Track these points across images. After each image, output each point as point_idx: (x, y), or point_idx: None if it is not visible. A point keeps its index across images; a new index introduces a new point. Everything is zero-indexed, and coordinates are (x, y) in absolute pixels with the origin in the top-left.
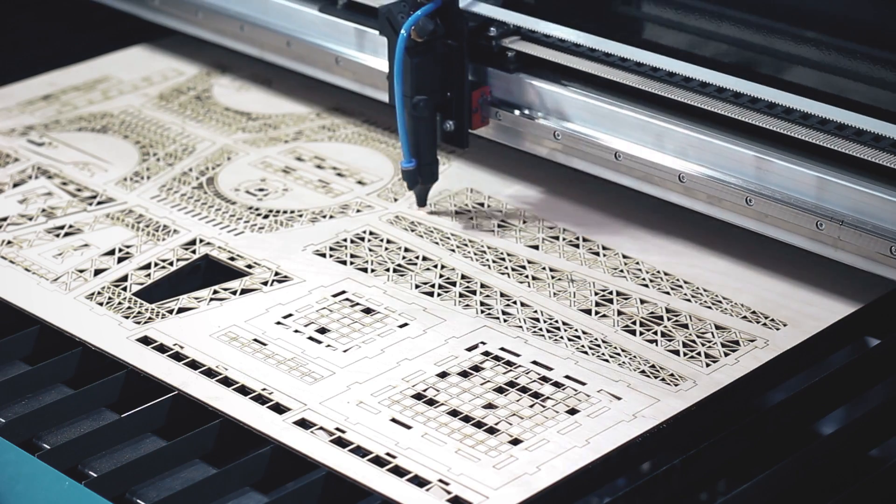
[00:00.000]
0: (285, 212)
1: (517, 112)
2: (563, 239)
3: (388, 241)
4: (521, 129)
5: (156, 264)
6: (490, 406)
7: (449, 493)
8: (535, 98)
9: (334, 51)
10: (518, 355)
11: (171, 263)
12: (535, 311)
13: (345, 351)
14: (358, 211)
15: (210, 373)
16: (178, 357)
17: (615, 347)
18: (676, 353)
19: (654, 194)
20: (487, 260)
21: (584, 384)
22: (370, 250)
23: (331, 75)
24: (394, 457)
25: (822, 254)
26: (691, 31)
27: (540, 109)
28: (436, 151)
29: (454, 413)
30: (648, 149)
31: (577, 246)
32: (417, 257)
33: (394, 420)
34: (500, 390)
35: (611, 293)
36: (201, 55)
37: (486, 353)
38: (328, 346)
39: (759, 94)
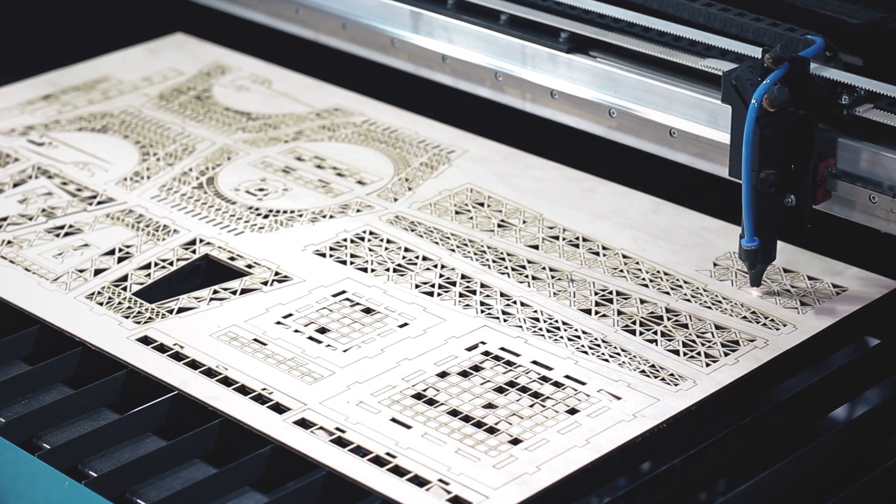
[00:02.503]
0: (285, 212)
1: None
2: (563, 239)
3: (388, 241)
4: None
5: (156, 264)
6: (490, 406)
7: (449, 492)
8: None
9: (389, 32)
10: (518, 355)
11: (171, 263)
12: (535, 311)
13: (345, 351)
14: (358, 211)
15: (210, 373)
16: (178, 357)
17: (615, 347)
18: (676, 353)
19: (710, 171)
20: (487, 260)
21: (584, 384)
22: (370, 250)
23: (386, 57)
24: (394, 457)
25: (876, 227)
26: None
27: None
28: (777, 230)
29: (454, 413)
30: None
31: (577, 246)
32: (417, 257)
33: (394, 420)
34: (500, 390)
35: (611, 293)
36: (201, 55)
37: (486, 353)
38: (328, 345)
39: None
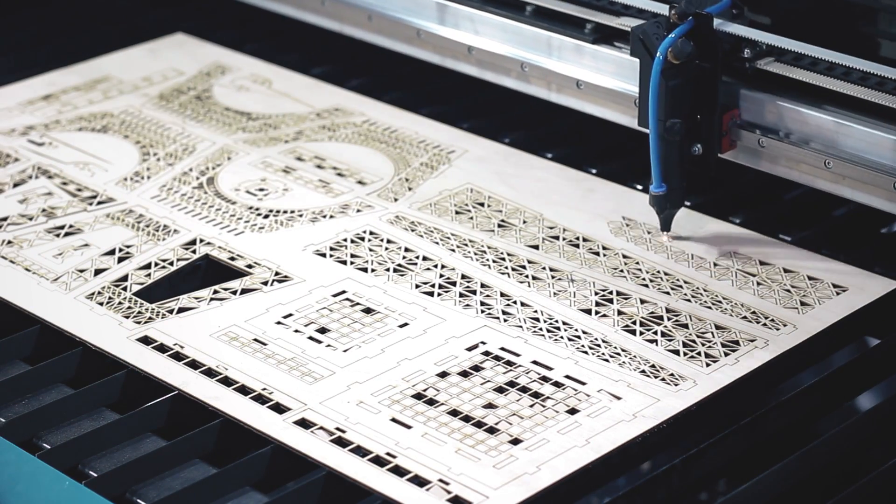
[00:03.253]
0: (285, 212)
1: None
2: (563, 239)
3: (389, 241)
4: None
5: (156, 264)
6: (490, 406)
7: (449, 492)
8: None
9: (415, 24)
10: (518, 355)
11: (171, 263)
12: (535, 311)
13: (345, 351)
14: (358, 211)
15: (210, 373)
16: (178, 357)
17: (615, 347)
18: (676, 353)
19: (734, 160)
20: (487, 260)
21: (584, 384)
22: (370, 250)
23: (412, 48)
24: (394, 457)
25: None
26: None
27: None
28: (684, 177)
29: (454, 413)
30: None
31: (577, 246)
32: (417, 257)
33: (394, 420)
34: (500, 390)
35: (611, 293)
36: (201, 55)
37: (486, 353)
38: (328, 345)
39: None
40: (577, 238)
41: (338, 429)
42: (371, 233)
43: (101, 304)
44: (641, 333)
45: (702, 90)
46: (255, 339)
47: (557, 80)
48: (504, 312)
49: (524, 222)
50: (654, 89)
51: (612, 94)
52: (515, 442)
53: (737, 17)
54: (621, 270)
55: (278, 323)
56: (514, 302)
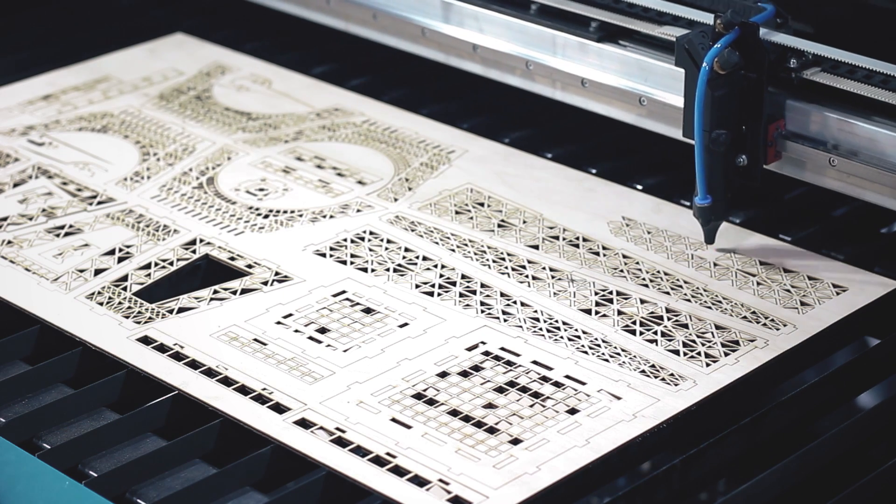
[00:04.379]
0: (285, 212)
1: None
2: (563, 239)
3: (388, 241)
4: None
5: (156, 264)
6: (490, 406)
7: (449, 492)
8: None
9: (420, 22)
10: (518, 355)
11: (171, 263)
12: (535, 311)
13: (345, 351)
14: (358, 211)
15: (210, 373)
16: (178, 357)
17: (615, 347)
18: (676, 353)
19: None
20: (487, 260)
21: (584, 384)
22: (370, 250)
23: (417, 46)
24: (394, 457)
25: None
26: None
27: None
28: (729, 188)
29: (454, 413)
30: None
31: (577, 246)
32: (417, 257)
33: (394, 420)
34: (500, 390)
35: (611, 293)
36: (201, 55)
37: (486, 353)
38: (328, 345)
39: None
40: (577, 238)
41: (338, 429)
42: (371, 233)
43: (101, 304)
44: (641, 333)
45: (747, 100)
46: (255, 339)
47: (562, 78)
48: (504, 312)
49: (524, 222)
50: (699, 100)
51: (616, 92)
52: (515, 442)
53: (781, 25)
54: (621, 270)
55: (278, 323)
56: (514, 302)
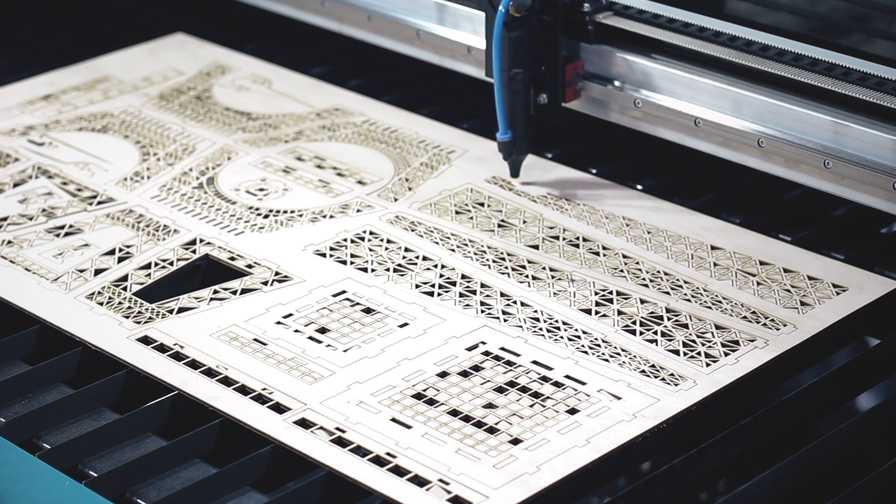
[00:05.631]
0: (285, 212)
1: (608, 86)
2: (563, 239)
3: (389, 241)
4: (608, 101)
5: (156, 264)
6: (490, 406)
7: (449, 492)
8: (624, 70)
9: (415, 24)
10: (518, 355)
11: (171, 263)
12: (535, 311)
13: (345, 351)
14: (358, 211)
15: (210, 373)
16: (178, 357)
17: (615, 347)
18: (676, 353)
19: (733, 159)
20: (487, 260)
21: (584, 384)
22: (370, 250)
23: (412, 48)
24: (394, 456)
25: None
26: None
27: (628, 81)
28: (530, 124)
29: (454, 413)
30: (727, 115)
31: (577, 246)
32: (417, 257)
33: (394, 420)
34: (500, 390)
35: (611, 293)
36: (201, 55)
37: (486, 353)
38: (328, 345)
39: (835, 60)
40: (577, 238)
41: (338, 429)
42: (371, 233)
43: (101, 304)
44: (641, 333)
45: (545, 42)
46: (255, 339)
47: None
48: (504, 312)
49: (524, 222)
50: (496, 40)
51: (611, 95)
52: (515, 442)
53: None
54: (621, 270)
55: (278, 323)
56: (514, 302)
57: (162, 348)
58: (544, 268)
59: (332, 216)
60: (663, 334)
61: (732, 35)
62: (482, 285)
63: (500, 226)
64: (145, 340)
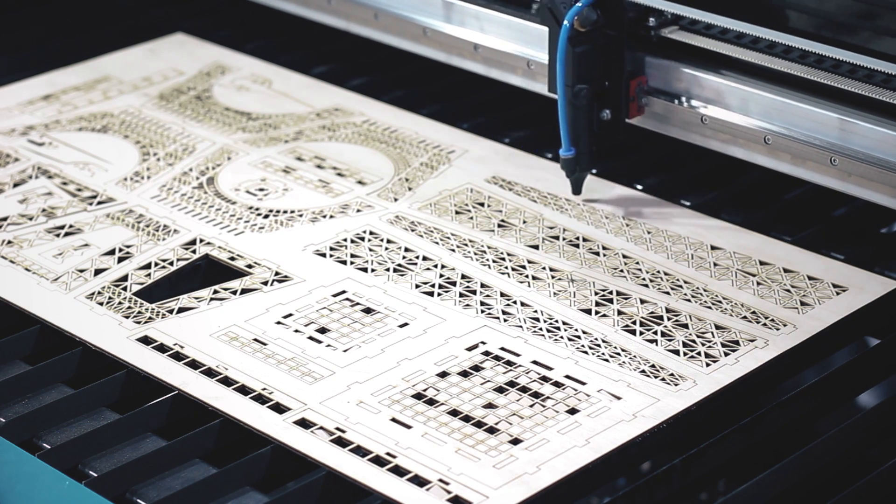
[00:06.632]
0: (285, 212)
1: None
2: (563, 239)
3: (389, 241)
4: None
5: (156, 264)
6: (490, 406)
7: (449, 492)
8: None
9: (421, 22)
10: (518, 355)
11: (171, 263)
12: (535, 311)
13: (345, 351)
14: (358, 211)
15: (210, 373)
16: (178, 357)
17: (615, 347)
18: (676, 353)
19: (740, 156)
20: (487, 260)
21: (584, 384)
22: (370, 250)
23: (418, 46)
24: (394, 456)
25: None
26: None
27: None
28: (593, 140)
29: (454, 413)
30: (733, 112)
31: (577, 246)
32: (417, 257)
33: (394, 420)
34: (500, 390)
35: (611, 293)
36: (201, 55)
37: (486, 353)
38: (328, 345)
39: (841, 57)
40: (577, 238)
41: (338, 429)
42: (371, 233)
43: (101, 304)
44: (641, 333)
45: (609, 57)
46: (255, 339)
47: None
48: (504, 312)
49: (524, 222)
50: (561, 56)
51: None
52: (515, 442)
53: None
54: (621, 270)
55: (278, 323)
56: (514, 302)
57: (162, 348)
58: (544, 268)
59: (332, 216)
60: (663, 334)
61: (739, 32)
62: (482, 285)
63: (500, 226)
64: (145, 340)
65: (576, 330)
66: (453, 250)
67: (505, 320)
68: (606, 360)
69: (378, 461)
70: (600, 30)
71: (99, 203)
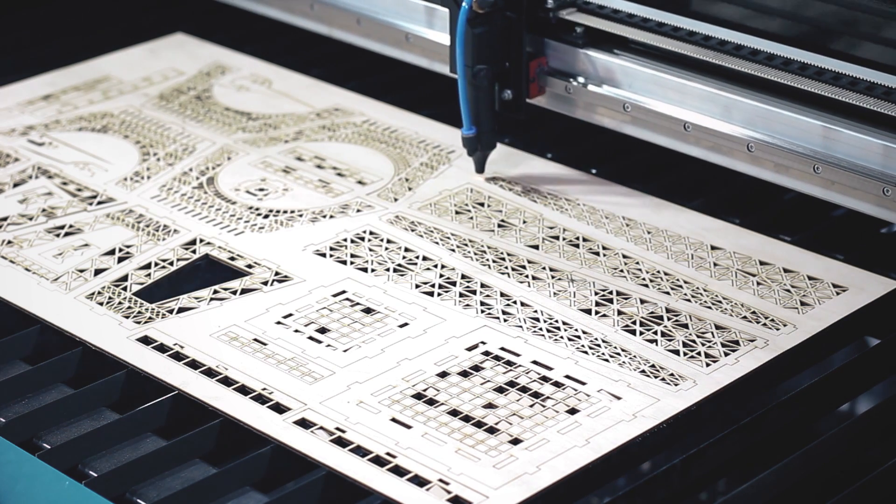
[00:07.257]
0: (285, 212)
1: (573, 81)
2: (563, 239)
3: (389, 241)
4: (575, 98)
5: (156, 264)
6: (490, 406)
7: (449, 492)
8: (592, 68)
9: (404, 28)
10: (518, 355)
11: (171, 263)
12: (535, 311)
13: (345, 351)
14: (358, 211)
15: (210, 373)
16: (178, 357)
17: (615, 347)
18: (676, 353)
19: (723, 164)
20: (487, 260)
21: (584, 384)
22: (370, 250)
23: (401, 52)
24: (394, 456)
25: (888, 220)
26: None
27: (596, 79)
28: (494, 120)
29: (454, 413)
30: (716, 119)
31: (577, 246)
32: (417, 257)
33: (394, 420)
34: (500, 390)
35: (611, 293)
36: (201, 55)
37: (486, 353)
38: (328, 345)
39: (825, 65)
40: (577, 238)
41: (338, 429)
42: (371, 233)
43: (101, 304)
44: (641, 333)
45: (509, 39)
46: (255, 339)
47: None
48: (504, 312)
49: (524, 222)
50: (460, 36)
51: (602, 99)
52: (515, 442)
53: None
54: (621, 270)
55: (278, 323)
56: (514, 302)
57: (162, 348)
58: (544, 268)
59: (332, 216)
60: (663, 334)
61: (721, 39)
62: (482, 285)
63: (500, 226)
64: (145, 340)
65: (576, 330)
66: (453, 250)
67: (505, 320)
68: (606, 360)
69: (378, 461)
70: (499, 11)
71: (99, 203)
